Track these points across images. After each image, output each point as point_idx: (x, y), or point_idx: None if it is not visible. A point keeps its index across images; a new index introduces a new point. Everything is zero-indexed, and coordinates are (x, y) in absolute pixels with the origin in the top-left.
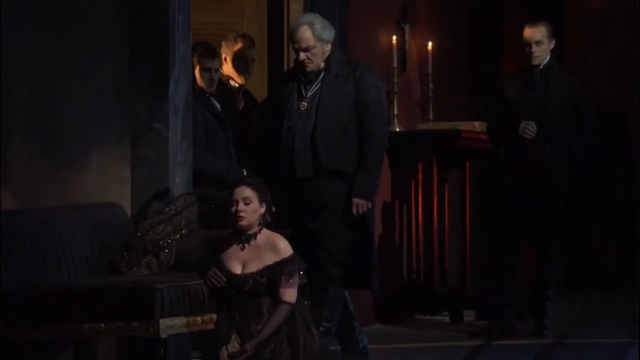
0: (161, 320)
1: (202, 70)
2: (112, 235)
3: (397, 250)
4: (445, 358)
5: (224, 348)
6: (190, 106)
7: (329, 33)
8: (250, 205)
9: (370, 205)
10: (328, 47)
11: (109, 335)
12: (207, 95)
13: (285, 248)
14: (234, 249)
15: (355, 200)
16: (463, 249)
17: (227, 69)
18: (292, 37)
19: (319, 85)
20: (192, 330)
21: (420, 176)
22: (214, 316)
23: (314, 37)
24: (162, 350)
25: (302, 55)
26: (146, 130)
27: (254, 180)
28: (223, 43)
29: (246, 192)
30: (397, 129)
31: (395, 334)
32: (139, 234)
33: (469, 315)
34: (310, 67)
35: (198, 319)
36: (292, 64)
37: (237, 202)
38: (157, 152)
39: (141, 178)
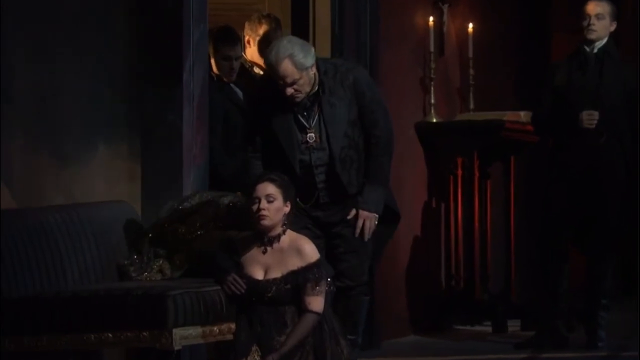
0: (174, 331)
1: (220, 58)
2: (121, 236)
3: (434, 254)
4: None
5: None
6: (207, 96)
7: (311, 57)
8: (273, 204)
9: (377, 221)
10: (313, 71)
11: (117, 346)
12: (227, 82)
13: (311, 252)
14: (255, 252)
15: (364, 213)
16: (507, 252)
17: (251, 53)
18: (275, 72)
19: (318, 112)
20: (208, 342)
21: (459, 172)
22: (233, 326)
23: (298, 70)
24: None
25: (289, 90)
26: (158, 122)
27: (277, 177)
28: (246, 25)
29: (269, 188)
30: (434, 120)
31: (433, 345)
32: (150, 235)
33: (513, 325)
34: (300, 97)
35: (215, 328)
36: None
37: (260, 200)
38: (169, 145)
39: (152, 174)
